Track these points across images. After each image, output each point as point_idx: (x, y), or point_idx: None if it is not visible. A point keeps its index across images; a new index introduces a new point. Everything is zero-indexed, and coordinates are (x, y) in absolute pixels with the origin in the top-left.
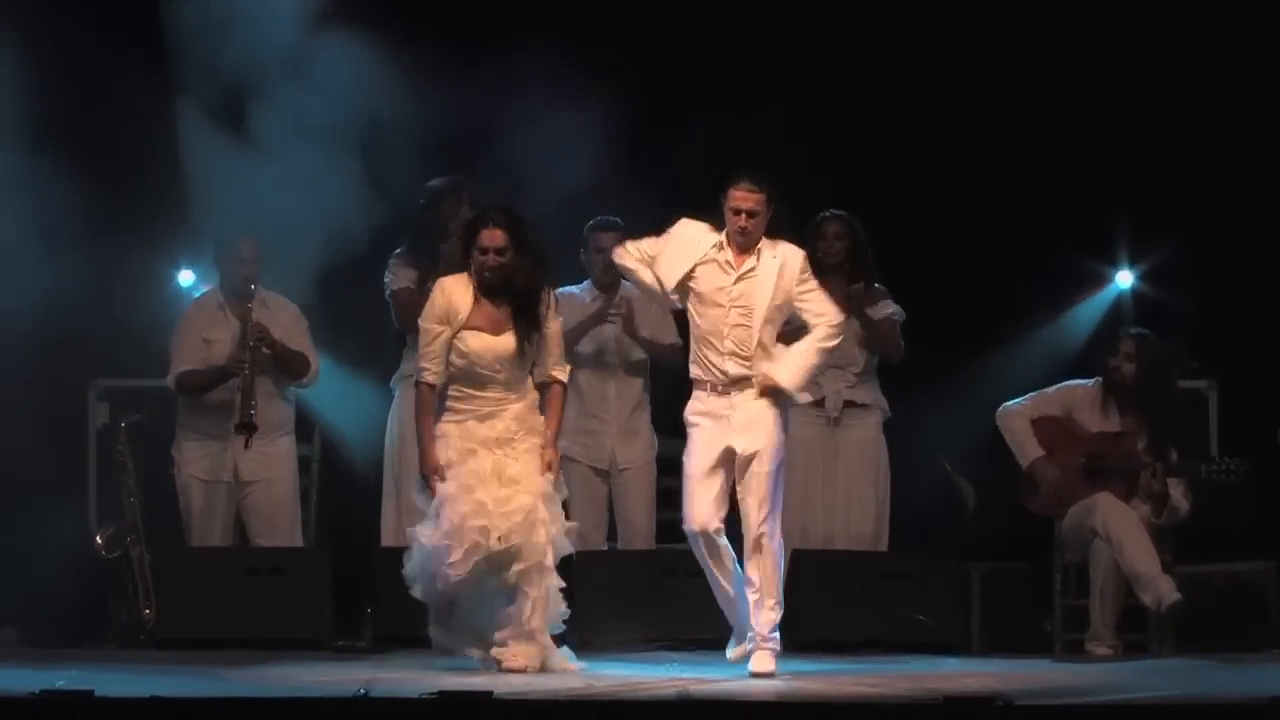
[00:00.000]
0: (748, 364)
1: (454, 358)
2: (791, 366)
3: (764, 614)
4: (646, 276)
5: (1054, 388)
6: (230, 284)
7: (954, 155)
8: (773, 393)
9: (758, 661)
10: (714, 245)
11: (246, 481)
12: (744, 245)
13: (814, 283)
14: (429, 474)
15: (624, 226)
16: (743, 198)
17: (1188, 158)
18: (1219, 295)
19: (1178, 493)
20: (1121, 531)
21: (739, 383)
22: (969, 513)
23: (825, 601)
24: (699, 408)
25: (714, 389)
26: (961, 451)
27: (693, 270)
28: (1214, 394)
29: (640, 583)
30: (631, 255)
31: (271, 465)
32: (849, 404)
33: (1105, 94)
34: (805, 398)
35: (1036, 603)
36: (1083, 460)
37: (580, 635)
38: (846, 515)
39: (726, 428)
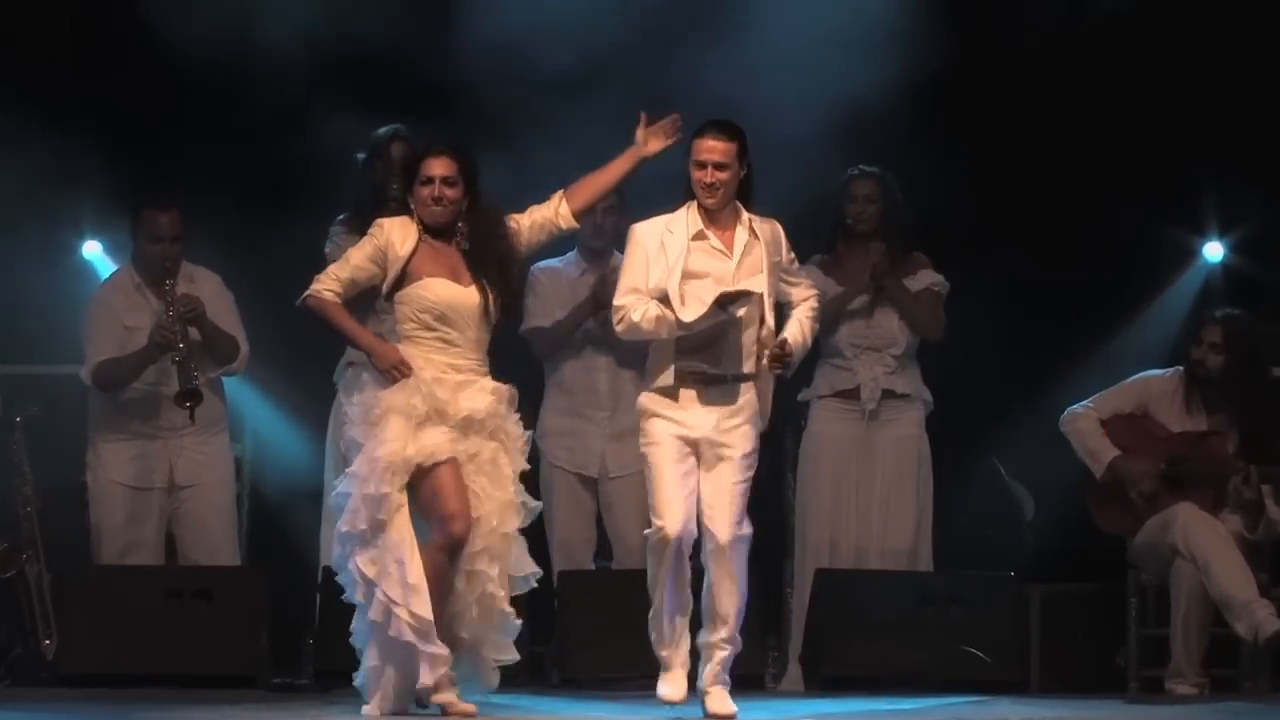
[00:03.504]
0: (743, 364)
1: (416, 312)
2: (798, 345)
3: (723, 639)
4: (663, 330)
5: (1126, 381)
6: (146, 261)
7: (1016, 112)
8: (773, 363)
9: (717, 701)
10: (692, 233)
11: (182, 486)
12: (714, 209)
13: (794, 256)
14: (390, 368)
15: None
16: (710, 147)
17: None
18: None
19: (1275, 502)
20: (1208, 548)
21: (719, 380)
22: (1027, 525)
23: (856, 630)
24: (667, 400)
25: (689, 386)
26: (1019, 452)
27: (684, 267)
28: None
29: (634, 607)
30: (630, 307)
31: (209, 467)
32: (887, 394)
33: (1184, 38)
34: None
35: (1107, 632)
36: (1162, 465)
37: (563, 668)
38: (883, 527)
39: (696, 422)
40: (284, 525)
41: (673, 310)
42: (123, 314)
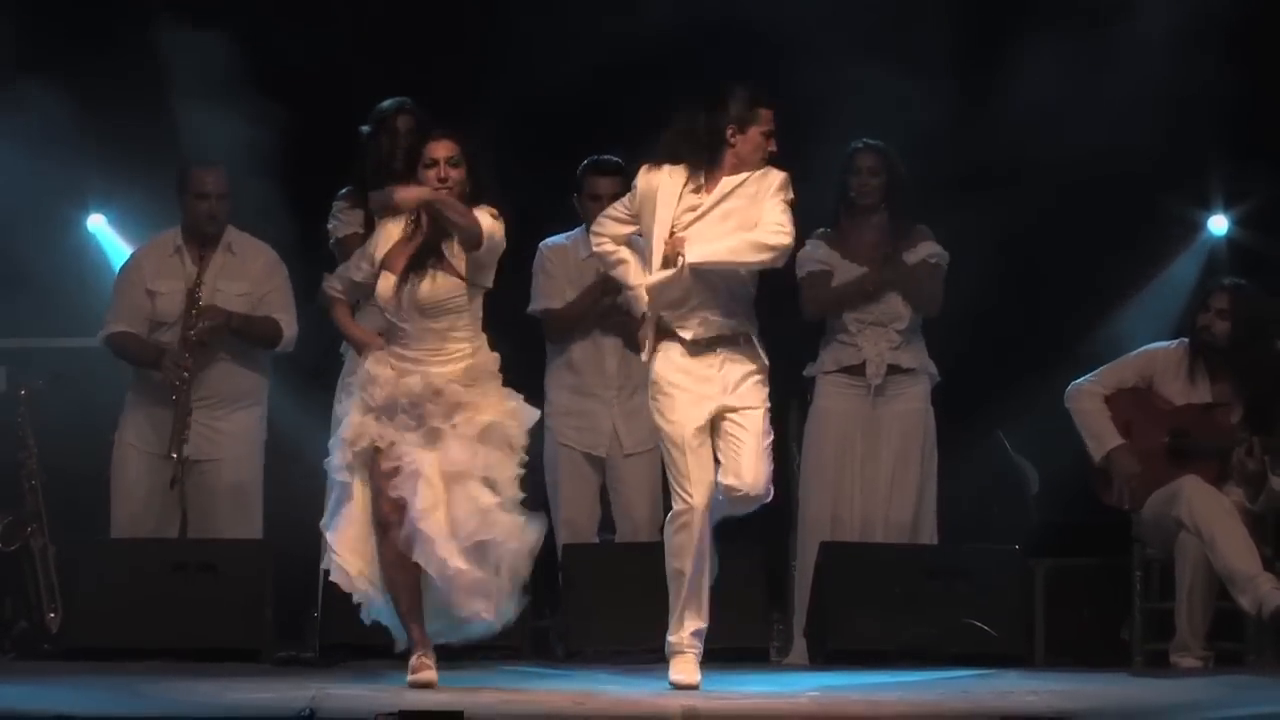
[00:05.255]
0: (734, 320)
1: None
2: (708, 246)
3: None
4: (631, 279)
5: (1131, 355)
6: (191, 222)
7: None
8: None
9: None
10: (689, 187)
11: (200, 460)
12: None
13: (779, 199)
14: (362, 347)
15: (625, 168)
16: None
17: None
18: None
19: (1275, 473)
20: (1212, 522)
21: (723, 340)
22: (1032, 499)
23: (861, 604)
24: (677, 365)
25: (695, 346)
26: (1024, 425)
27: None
28: None
29: (638, 581)
30: (610, 232)
31: (224, 444)
32: (893, 369)
33: (1188, 10)
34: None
35: (1112, 606)
36: (1166, 439)
37: (568, 641)
38: (889, 501)
39: (710, 387)
40: (288, 499)
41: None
42: (151, 278)
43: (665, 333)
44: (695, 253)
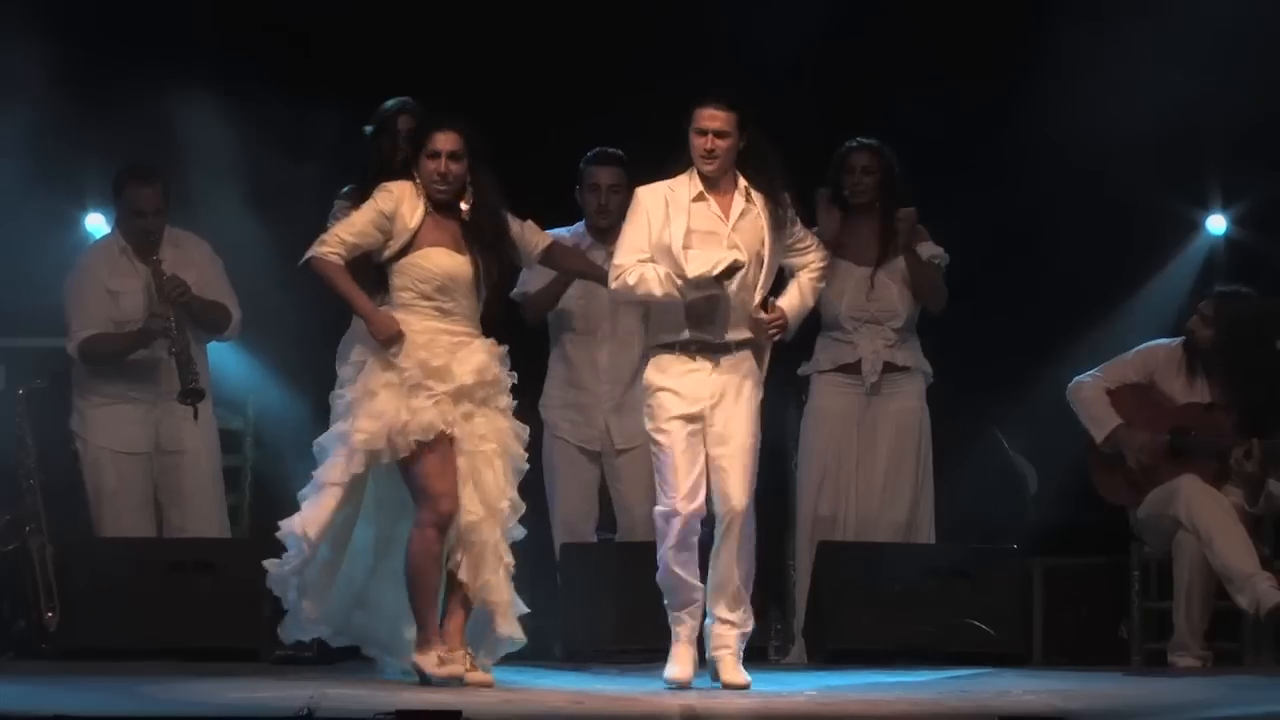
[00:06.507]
0: (742, 327)
1: (415, 281)
2: (794, 309)
3: (734, 614)
4: (658, 289)
5: (1132, 351)
6: (130, 234)
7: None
8: (770, 329)
9: (730, 670)
10: (692, 196)
11: (168, 452)
12: (712, 175)
13: (797, 218)
14: (384, 340)
15: (626, 160)
16: (710, 116)
17: None
18: None
19: (1275, 476)
20: (1211, 521)
21: (722, 349)
22: (1030, 498)
23: (859, 603)
24: (671, 372)
25: (690, 355)
26: (1022, 425)
27: (687, 230)
28: None
29: (637, 580)
30: (628, 268)
31: (190, 437)
32: (888, 367)
33: (1186, 10)
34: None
35: (1110, 605)
36: (1166, 437)
37: (566, 643)
38: (886, 500)
39: (700, 394)
40: (287, 497)
41: (674, 271)
42: (108, 279)
43: (661, 346)
44: (793, 315)
